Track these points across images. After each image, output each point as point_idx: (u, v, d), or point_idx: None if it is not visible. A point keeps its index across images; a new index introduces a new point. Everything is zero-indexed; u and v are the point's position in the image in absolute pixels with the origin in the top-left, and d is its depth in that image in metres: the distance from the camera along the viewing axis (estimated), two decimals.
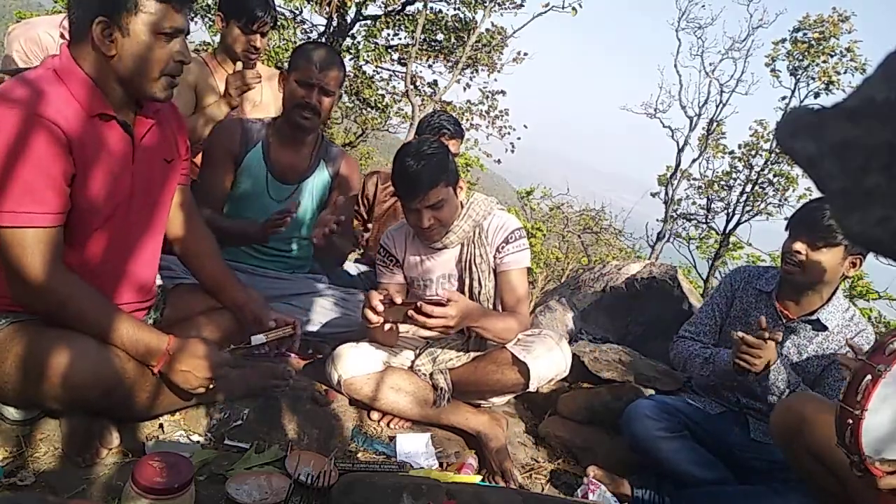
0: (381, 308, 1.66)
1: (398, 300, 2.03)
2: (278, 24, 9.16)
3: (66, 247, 1.34)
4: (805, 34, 9.15)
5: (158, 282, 1.75)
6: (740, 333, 1.72)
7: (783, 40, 9.41)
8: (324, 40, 8.75)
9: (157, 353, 1.39)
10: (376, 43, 9.60)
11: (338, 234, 1.97)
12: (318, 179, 2.23)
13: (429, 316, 1.61)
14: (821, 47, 8.94)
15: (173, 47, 1.35)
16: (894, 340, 1.23)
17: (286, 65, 2.12)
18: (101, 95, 1.34)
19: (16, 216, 1.23)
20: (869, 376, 1.20)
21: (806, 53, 9.11)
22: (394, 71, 10.28)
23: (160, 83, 1.37)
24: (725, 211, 10.02)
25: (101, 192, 1.36)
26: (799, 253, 1.80)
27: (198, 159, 2.26)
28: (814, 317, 1.86)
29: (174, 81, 1.40)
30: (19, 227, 1.24)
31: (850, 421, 1.21)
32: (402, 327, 1.91)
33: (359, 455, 1.75)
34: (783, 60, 9.45)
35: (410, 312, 1.63)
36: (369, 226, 2.89)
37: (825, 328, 1.85)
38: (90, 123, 1.32)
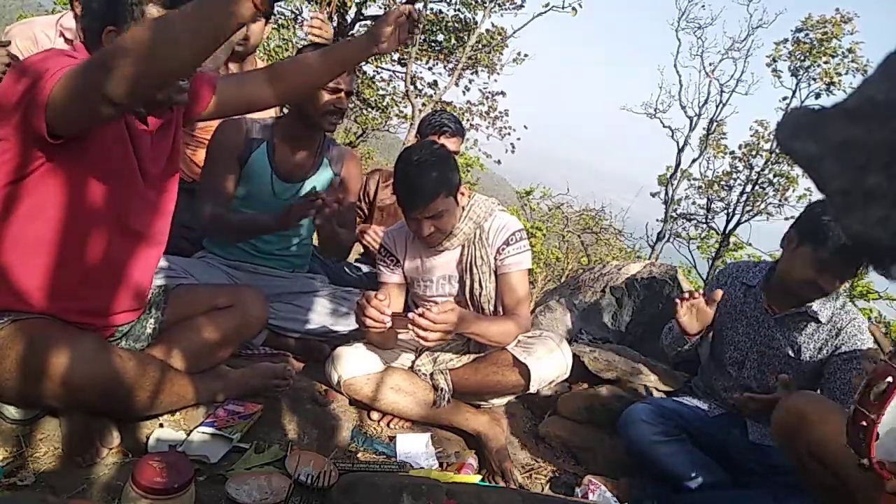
0: (388, 313, 1.66)
1: (399, 301, 2.02)
2: (278, 23, 9.22)
3: (67, 250, 1.34)
4: (807, 35, 9.15)
5: (160, 282, 1.75)
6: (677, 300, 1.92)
7: (785, 41, 9.41)
8: None
9: None
10: None
11: (341, 222, 1.95)
12: (322, 177, 2.23)
13: (425, 329, 1.62)
14: (822, 48, 8.93)
15: None
16: None
17: None
18: None
19: None
20: (890, 378, 1.14)
21: (808, 54, 9.10)
22: (394, 71, 10.29)
23: (167, 90, 1.36)
24: (725, 211, 10.02)
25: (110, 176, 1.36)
26: (826, 291, 1.79)
27: (200, 157, 2.25)
28: (802, 308, 1.85)
29: (184, 90, 1.40)
30: None
31: (864, 423, 1.16)
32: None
33: (359, 455, 1.74)
34: (785, 61, 9.46)
35: (409, 325, 1.65)
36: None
37: (815, 319, 1.84)
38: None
